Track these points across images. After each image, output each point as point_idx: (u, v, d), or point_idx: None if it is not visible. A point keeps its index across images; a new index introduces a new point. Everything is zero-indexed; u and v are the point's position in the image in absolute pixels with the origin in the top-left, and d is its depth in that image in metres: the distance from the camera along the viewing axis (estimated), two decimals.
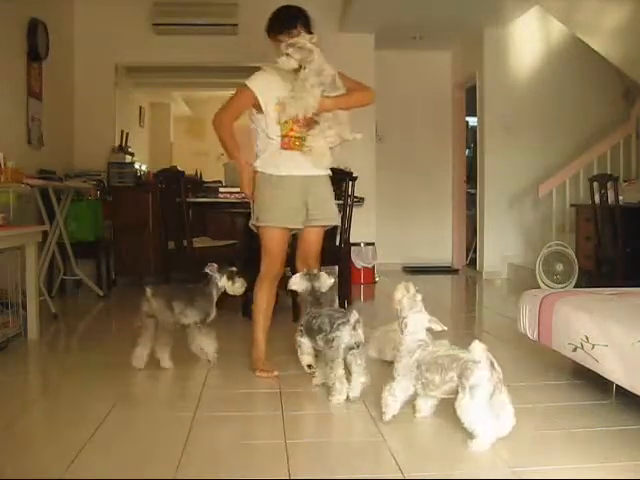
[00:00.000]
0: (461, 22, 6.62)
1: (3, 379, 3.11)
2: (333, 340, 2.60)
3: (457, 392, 2.14)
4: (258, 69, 3.22)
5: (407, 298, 2.38)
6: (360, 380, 2.61)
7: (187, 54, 6.72)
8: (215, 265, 3.27)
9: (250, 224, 3.22)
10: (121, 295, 5.69)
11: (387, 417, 2.35)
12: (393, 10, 6.22)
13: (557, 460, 2.03)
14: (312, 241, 3.22)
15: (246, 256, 4.42)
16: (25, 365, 3.53)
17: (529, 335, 3.08)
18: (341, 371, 2.60)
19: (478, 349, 2.11)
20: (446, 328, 2.39)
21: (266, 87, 3.10)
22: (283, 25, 3.09)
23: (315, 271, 2.96)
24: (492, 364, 2.09)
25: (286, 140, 3.08)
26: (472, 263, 7.63)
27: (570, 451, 2.12)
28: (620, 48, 5.59)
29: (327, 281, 2.93)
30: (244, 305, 4.46)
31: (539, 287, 5.47)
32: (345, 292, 4.68)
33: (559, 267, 5.74)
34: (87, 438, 2.25)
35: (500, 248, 6.95)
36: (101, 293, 5.39)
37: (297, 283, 2.94)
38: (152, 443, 2.26)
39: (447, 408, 2.27)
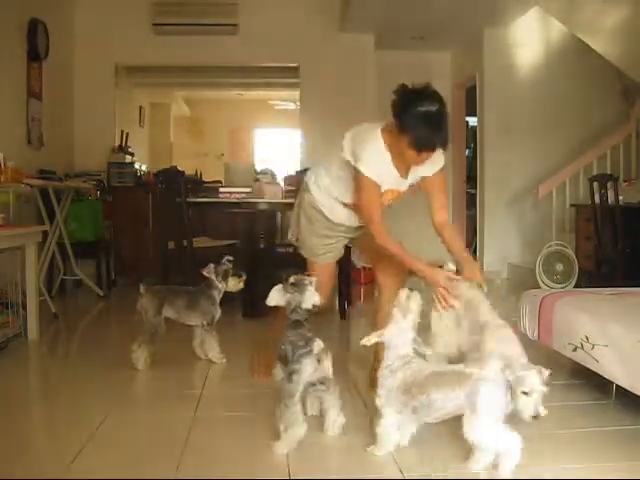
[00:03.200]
0: (461, 22, 6.62)
1: (3, 379, 3.11)
2: (292, 373, 2.17)
3: (456, 414, 1.94)
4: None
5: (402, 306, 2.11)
6: (339, 419, 2.29)
7: (187, 54, 6.72)
8: (212, 265, 3.25)
9: (290, 238, 2.98)
10: (121, 295, 5.69)
11: (382, 452, 2.10)
12: (393, 10, 6.21)
13: (557, 460, 2.03)
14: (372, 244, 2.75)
15: (246, 256, 4.42)
16: (25, 365, 3.53)
17: (529, 335, 3.08)
18: (296, 414, 2.15)
19: (494, 365, 1.87)
20: (430, 353, 2.15)
21: (379, 172, 2.58)
22: (431, 146, 2.43)
23: (302, 280, 2.37)
24: (506, 382, 1.86)
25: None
26: None
27: (570, 451, 2.12)
28: (620, 48, 5.59)
29: (312, 297, 2.35)
30: (244, 306, 4.46)
31: (539, 287, 5.46)
32: (345, 292, 4.68)
33: (559, 267, 5.74)
34: (87, 438, 2.25)
35: (500, 248, 6.94)
36: (101, 293, 5.39)
37: (275, 297, 2.37)
38: (152, 443, 2.26)
39: None
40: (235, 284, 3.26)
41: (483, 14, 6.40)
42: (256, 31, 6.65)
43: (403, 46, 7.35)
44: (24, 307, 3.81)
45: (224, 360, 3.29)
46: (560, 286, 5.55)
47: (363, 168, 2.53)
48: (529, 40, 6.95)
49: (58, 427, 2.44)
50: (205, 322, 3.26)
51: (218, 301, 3.28)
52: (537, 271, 5.76)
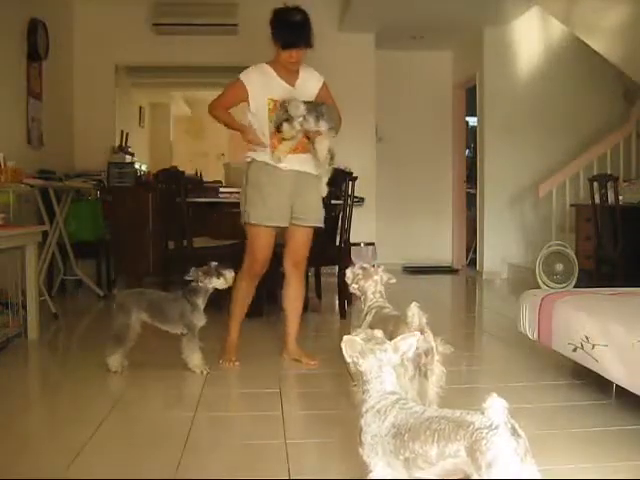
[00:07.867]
0: (461, 22, 6.62)
1: (3, 379, 3.10)
2: None
3: (463, 473, 1.42)
4: None
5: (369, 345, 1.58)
6: None
7: (187, 54, 6.72)
8: (199, 271, 3.07)
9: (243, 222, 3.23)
10: None
11: None
12: (393, 10, 6.21)
13: (557, 460, 2.02)
14: (301, 242, 3.26)
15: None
16: (25, 365, 3.53)
17: (529, 335, 3.08)
18: None
19: (497, 408, 1.37)
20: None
21: (259, 84, 3.14)
22: (294, 43, 3.05)
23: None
24: (514, 429, 1.37)
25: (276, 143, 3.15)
26: (472, 263, 7.63)
27: (570, 451, 2.12)
28: (620, 48, 5.59)
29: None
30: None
31: (539, 287, 5.46)
32: (345, 292, 4.67)
33: (559, 267, 5.74)
34: (87, 438, 2.24)
35: (500, 248, 6.94)
36: (101, 293, 5.39)
37: None
38: (152, 443, 2.26)
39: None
40: (229, 278, 3.12)
41: (483, 14, 6.40)
42: (256, 31, 6.62)
43: (403, 46, 7.35)
44: (24, 307, 3.81)
45: (205, 372, 3.06)
46: (560, 286, 5.55)
47: (241, 75, 3.16)
48: (529, 40, 6.95)
49: (58, 427, 2.44)
50: (184, 330, 3.06)
51: (202, 307, 3.08)
52: (537, 271, 5.76)
